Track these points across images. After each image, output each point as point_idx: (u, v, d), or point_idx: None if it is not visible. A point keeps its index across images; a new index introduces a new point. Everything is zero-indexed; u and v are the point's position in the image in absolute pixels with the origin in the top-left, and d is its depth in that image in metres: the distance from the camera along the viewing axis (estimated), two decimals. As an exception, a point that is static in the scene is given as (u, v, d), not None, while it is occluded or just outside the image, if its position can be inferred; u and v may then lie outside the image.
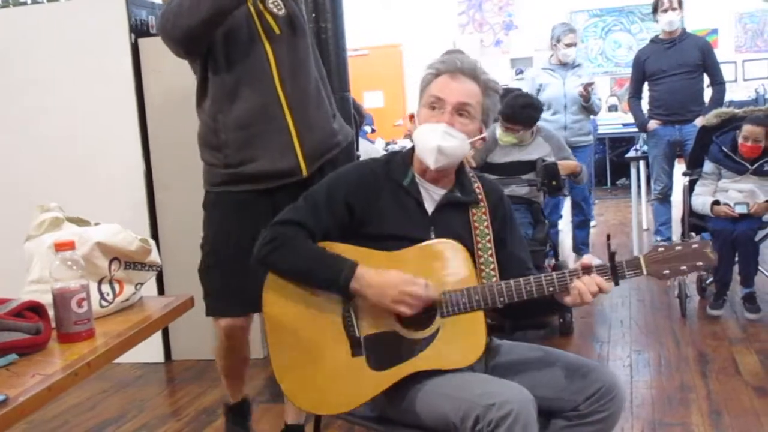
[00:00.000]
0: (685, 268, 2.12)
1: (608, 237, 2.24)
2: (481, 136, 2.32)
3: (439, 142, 2.22)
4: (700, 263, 2.12)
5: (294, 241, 2.22)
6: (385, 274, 2.16)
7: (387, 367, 2.16)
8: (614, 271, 2.12)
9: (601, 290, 2.10)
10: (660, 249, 2.13)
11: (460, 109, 2.25)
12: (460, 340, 2.18)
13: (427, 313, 2.20)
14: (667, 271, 2.11)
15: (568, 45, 6.27)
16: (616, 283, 2.13)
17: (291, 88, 2.87)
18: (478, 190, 2.38)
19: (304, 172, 2.89)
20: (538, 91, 6.29)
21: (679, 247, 2.13)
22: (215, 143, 2.88)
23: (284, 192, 2.84)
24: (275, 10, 2.86)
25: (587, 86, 6.04)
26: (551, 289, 2.14)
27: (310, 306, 2.22)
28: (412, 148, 2.35)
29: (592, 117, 6.51)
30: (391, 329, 2.18)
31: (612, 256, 2.14)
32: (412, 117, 2.36)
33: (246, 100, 2.82)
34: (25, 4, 4.72)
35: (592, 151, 6.56)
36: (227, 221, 2.92)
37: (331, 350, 2.19)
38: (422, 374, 2.16)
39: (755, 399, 3.59)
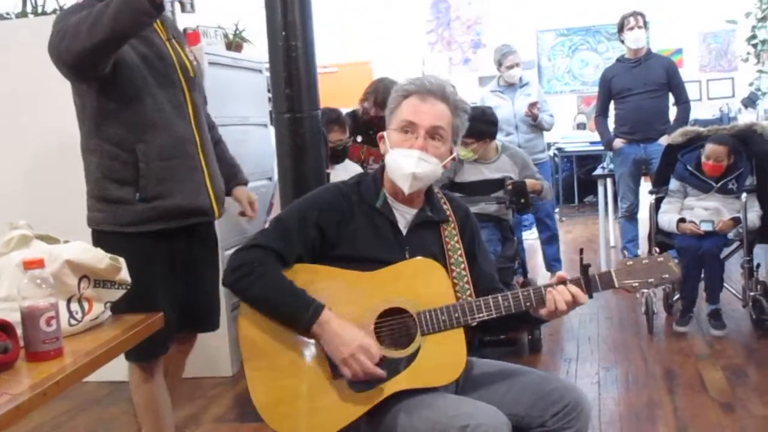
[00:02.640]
0: (652, 280, 2.22)
1: (581, 251, 2.27)
2: (452, 156, 2.37)
3: (413, 169, 2.24)
4: (666, 276, 2.23)
5: (263, 269, 2.19)
6: (347, 330, 2.15)
7: (368, 388, 2.15)
8: (587, 284, 2.18)
9: (575, 300, 2.16)
10: (629, 263, 2.23)
11: (433, 133, 2.28)
12: (441, 357, 2.19)
13: (408, 331, 2.21)
14: (636, 284, 2.21)
15: (510, 67, 6.36)
16: (590, 296, 2.19)
17: (201, 131, 2.89)
18: (446, 207, 2.42)
19: (216, 213, 2.93)
20: None
21: (645, 261, 2.23)
22: (129, 176, 2.72)
23: (196, 233, 2.89)
24: (191, 57, 2.92)
25: (532, 106, 6.14)
26: (528, 303, 2.21)
27: (287, 328, 2.19)
28: (382, 169, 2.37)
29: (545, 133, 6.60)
30: None
31: (585, 268, 2.19)
32: (381, 138, 2.37)
33: (169, 132, 2.76)
34: (8, 18, 4.66)
35: (549, 167, 6.64)
36: (148, 267, 2.73)
37: (312, 373, 2.17)
38: (399, 396, 2.16)
39: (721, 415, 3.62)
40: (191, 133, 2.83)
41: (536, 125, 6.28)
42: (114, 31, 2.48)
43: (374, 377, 2.13)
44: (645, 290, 4.96)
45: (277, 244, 2.23)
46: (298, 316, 2.15)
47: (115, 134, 2.72)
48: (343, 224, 2.28)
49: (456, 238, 2.37)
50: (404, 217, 2.36)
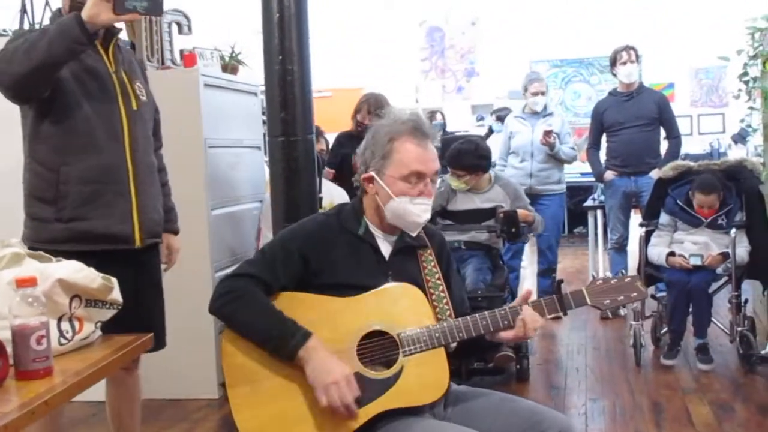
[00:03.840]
0: (622, 298, 2.34)
1: (554, 271, 2.36)
2: None
3: (427, 217, 2.35)
4: (634, 294, 2.36)
5: (249, 296, 2.23)
6: (334, 360, 2.16)
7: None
8: (561, 301, 2.29)
9: (534, 321, 2.26)
10: (598, 282, 2.36)
11: (434, 176, 2.38)
12: (424, 377, 2.23)
13: (390, 353, 2.24)
14: (607, 301, 2.33)
15: (534, 94, 6.38)
16: (564, 313, 2.31)
17: (138, 161, 2.91)
18: (422, 234, 2.48)
19: (138, 242, 2.90)
20: (510, 138, 6.39)
21: (614, 281, 2.35)
22: (50, 196, 2.80)
23: (113, 260, 2.76)
24: (138, 92, 2.95)
25: (547, 134, 6.13)
26: (506, 322, 2.28)
27: (271, 354, 2.20)
28: (360, 199, 2.44)
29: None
30: (356, 371, 2.19)
31: (558, 285, 2.32)
32: (371, 179, 2.37)
33: (96, 157, 2.80)
34: (5, 35, 4.66)
35: (562, 200, 6.56)
36: None
37: (296, 397, 2.18)
38: (385, 422, 2.17)
39: (707, 449, 3.63)
40: (124, 162, 2.86)
41: (553, 155, 6.26)
42: (48, 57, 2.58)
43: (349, 411, 2.13)
44: (633, 323, 4.99)
45: (262, 273, 2.27)
46: (285, 341, 2.16)
47: (44, 154, 2.81)
48: (326, 253, 2.33)
49: (433, 263, 2.44)
50: (385, 243, 2.42)
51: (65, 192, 2.78)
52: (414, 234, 2.38)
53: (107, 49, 2.86)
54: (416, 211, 2.32)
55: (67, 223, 2.77)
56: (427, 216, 2.34)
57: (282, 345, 2.16)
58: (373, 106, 5.23)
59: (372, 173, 2.37)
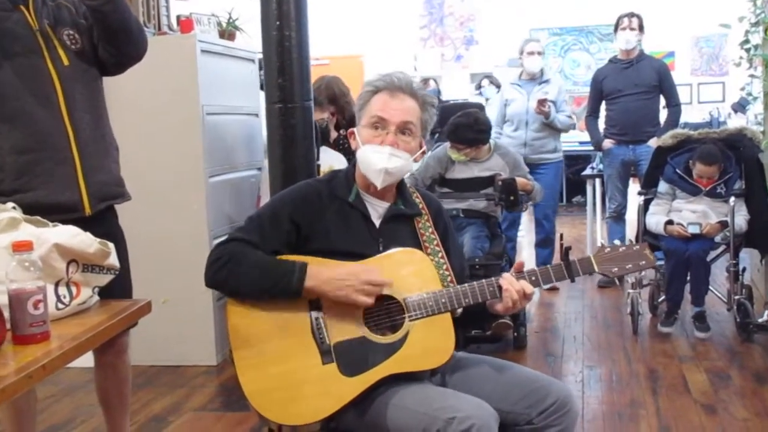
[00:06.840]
0: (630, 266, 2.31)
1: (561, 236, 2.39)
2: (422, 150, 2.41)
3: (385, 165, 2.29)
4: (643, 262, 2.33)
5: (240, 255, 2.22)
6: (339, 267, 2.19)
7: (359, 373, 2.16)
8: (568, 268, 2.26)
9: (525, 294, 2.23)
10: (606, 249, 2.32)
11: (403, 128, 2.33)
12: (430, 342, 2.22)
13: (396, 317, 2.23)
14: (615, 269, 2.30)
15: (530, 53, 6.27)
16: (572, 280, 2.28)
17: (79, 123, 2.71)
18: (418, 200, 2.47)
19: (87, 210, 2.71)
20: (505, 106, 6.31)
21: (622, 248, 2.33)
22: None
23: (96, 223, 2.64)
24: (68, 42, 2.71)
25: (541, 103, 6.01)
26: None
27: (276, 315, 2.20)
28: (354, 165, 2.41)
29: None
30: (361, 335, 2.19)
31: (566, 252, 2.27)
32: (352, 134, 2.41)
33: (28, 125, 2.61)
34: None
35: (558, 169, 6.44)
36: None
37: (301, 359, 2.18)
38: (385, 386, 2.17)
39: (703, 416, 3.64)
40: (61, 126, 2.65)
41: (548, 124, 6.14)
42: None
43: (385, 284, 2.19)
44: (630, 291, 5.00)
45: (251, 237, 2.26)
46: (286, 280, 2.16)
47: None
48: (316, 219, 2.31)
49: (430, 230, 2.42)
50: (377, 210, 2.39)
51: (1, 164, 2.61)
52: (379, 185, 2.31)
53: (27, 5, 2.62)
54: (375, 159, 2.29)
55: (10, 196, 2.51)
56: (388, 165, 2.29)
57: (286, 286, 2.16)
58: (324, 92, 5.04)
59: (354, 129, 2.40)
